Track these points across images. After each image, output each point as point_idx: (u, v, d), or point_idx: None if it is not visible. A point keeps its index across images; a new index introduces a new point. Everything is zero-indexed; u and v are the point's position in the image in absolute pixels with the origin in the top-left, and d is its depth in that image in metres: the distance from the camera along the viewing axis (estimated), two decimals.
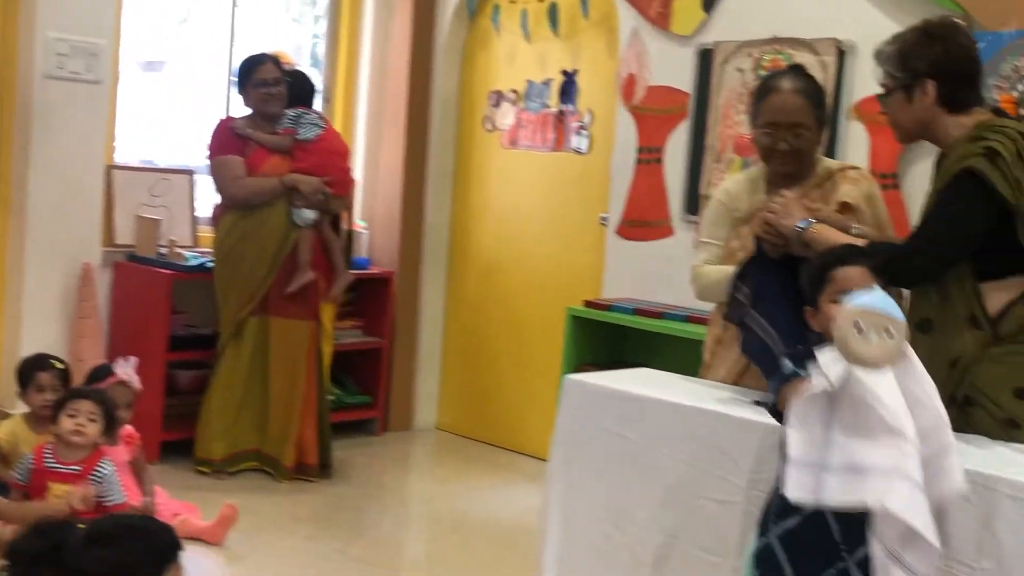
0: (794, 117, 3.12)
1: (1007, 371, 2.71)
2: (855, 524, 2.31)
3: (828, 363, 2.27)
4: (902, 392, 2.25)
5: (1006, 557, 2.31)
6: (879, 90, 2.95)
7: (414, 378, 6.19)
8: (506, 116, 5.94)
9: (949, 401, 2.79)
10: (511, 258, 5.94)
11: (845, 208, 3.07)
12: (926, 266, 2.75)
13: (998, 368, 2.72)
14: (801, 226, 2.84)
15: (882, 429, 2.22)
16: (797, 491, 2.30)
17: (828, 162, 3.30)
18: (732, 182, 3.38)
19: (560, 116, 5.71)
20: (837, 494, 2.25)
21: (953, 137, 2.81)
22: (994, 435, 2.67)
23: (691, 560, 2.79)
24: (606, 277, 5.35)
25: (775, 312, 2.84)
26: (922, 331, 2.83)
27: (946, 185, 2.74)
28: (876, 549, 2.28)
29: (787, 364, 2.42)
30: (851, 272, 2.45)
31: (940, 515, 2.31)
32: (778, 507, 2.43)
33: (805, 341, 2.51)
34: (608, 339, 5.05)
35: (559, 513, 3.08)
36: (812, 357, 2.34)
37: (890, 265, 2.54)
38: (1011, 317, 2.72)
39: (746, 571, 2.50)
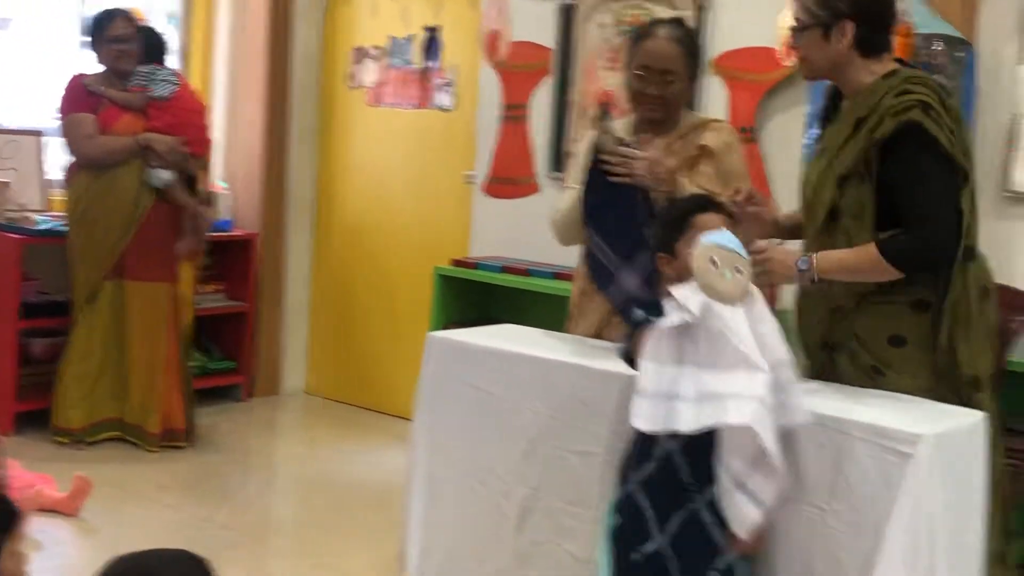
0: (666, 63, 3.16)
1: (884, 320, 2.75)
2: (702, 463, 2.35)
3: (686, 297, 2.31)
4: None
5: (857, 498, 2.36)
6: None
7: (280, 342, 6.08)
8: (370, 73, 5.85)
9: (821, 345, 2.85)
10: (377, 217, 5.87)
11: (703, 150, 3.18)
12: (951, 257, 2.70)
13: (875, 316, 2.76)
14: (803, 267, 2.72)
15: (738, 360, 2.27)
16: (646, 422, 2.33)
17: (696, 116, 3.38)
18: None
19: (424, 73, 5.64)
20: (691, 420, 2.28)
21: (863, 83, 2.78)
22: (858, 381, 2.73)
23: (554, 512, 2.81)
24: (473, 235, 5.33)
25: (607, 229, 3.11)
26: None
27: (908, 164, 2.67)
28: (722, 479, 2.32)
29: (638, 312, 2.44)
30: (710, 218, 2.54)
31: (788, 451, 2.35)
32: (637, 454, 2.46)
33: (635, 254, 2.62)
34: (476, 297, 5.03)
35: (424, 471, 3.07)
36: (659, 306, 2.38)
37: (918, 260, 2.65)
38: None
39: (606, 520, 2.51)
